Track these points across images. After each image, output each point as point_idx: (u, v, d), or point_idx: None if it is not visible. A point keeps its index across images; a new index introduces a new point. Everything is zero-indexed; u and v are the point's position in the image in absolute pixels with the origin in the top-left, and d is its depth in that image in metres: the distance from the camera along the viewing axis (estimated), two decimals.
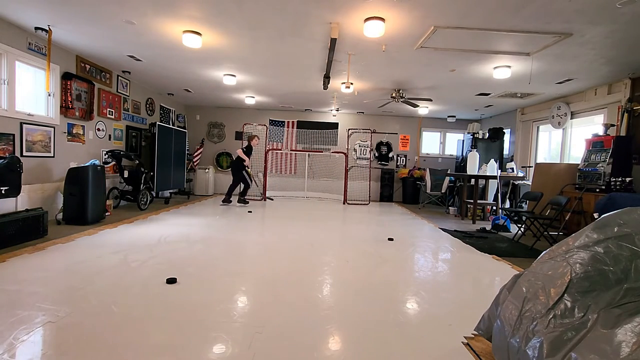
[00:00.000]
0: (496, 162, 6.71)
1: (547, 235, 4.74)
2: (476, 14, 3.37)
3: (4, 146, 4.16)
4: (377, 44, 4.24)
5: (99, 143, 6.02)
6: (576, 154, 6.30)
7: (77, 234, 4.11)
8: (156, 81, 6.90)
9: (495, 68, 5.00)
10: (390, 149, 9.95)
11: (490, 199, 7.26)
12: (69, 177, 4.64)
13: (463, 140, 8.77)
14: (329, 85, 5.85)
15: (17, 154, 4.35)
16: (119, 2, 3.50)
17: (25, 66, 4.50)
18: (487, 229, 5.76)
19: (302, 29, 3.94)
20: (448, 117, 9.48)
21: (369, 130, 9.51)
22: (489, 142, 8.02)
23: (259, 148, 9.50)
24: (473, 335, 2.03)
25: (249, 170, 7.51)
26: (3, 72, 4.16)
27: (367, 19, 3.57)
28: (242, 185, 7.51)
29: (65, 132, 5.19)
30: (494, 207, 6.92)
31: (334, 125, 9.77)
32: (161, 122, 8.10)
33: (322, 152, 9.64)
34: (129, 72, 6.29)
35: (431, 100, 7.13)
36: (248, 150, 7.50)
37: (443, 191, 8.54)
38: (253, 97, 8.02)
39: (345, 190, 8.71)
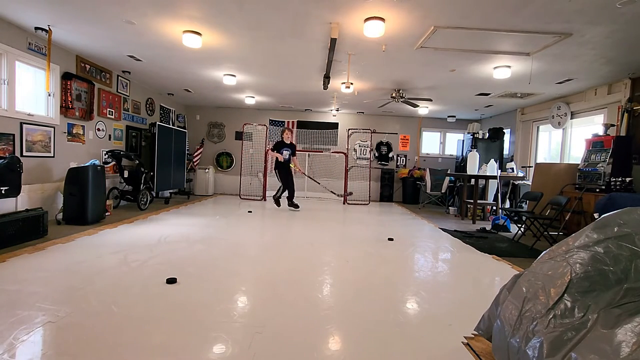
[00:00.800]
0: (496, 162, 6.71)
1: (547, 235, 4.73)
2: (476, 14, 3.37)
3: (4, 146, 4.16)
4: (377, 44, 4.24)
5: (99, 143, 6.02)
6: (576, 154, 6.30)
7: (77, 234, 4.11)
8: (156, 81, 6.90)
9: (495, 68, 5.00)
10: (390, 149, 9.95)
11: (490, 199, 7.25)
12: (69, 177, 4.64)
13: (463, 140, 8.77)
14: (329, 85, 5.85)
15: (17, 154, 4.35)
16: (119, 2, 3.50)
17: (25, 66, 4.50)
18: (487, 229, 5.75)
19: (302, 29, 3.94)
20: (448, 117, 9.48)
21: (369, 130, 9.51)
22: (489, 142, 8.02)
23: (258, 148, 9.53)
24: (473, 335, 2.03)
25: (293, 167, 6.83)
26: (3, 72, 4.16)
27: (367, 19, 3.57)
28: (282, 188, 6.90)
29: (65, 132, 5.19)
30: (494, 207, 6.91)
31: (334, 125, 9.76)
32: (161, 122, 8.10)
33: (322, 152, 9.64)
34: (129, 72, 6.29)
35: (431, 100, 7.13)
36: (277, 146, 6.84)
37: (443, 191, 8.54)
38: (253, 97, 8.02)
39: (345, 190, 8.70)
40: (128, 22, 3.95)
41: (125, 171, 6.16)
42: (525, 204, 6.62)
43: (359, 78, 5.91)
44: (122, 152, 6.05)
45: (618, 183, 4.66)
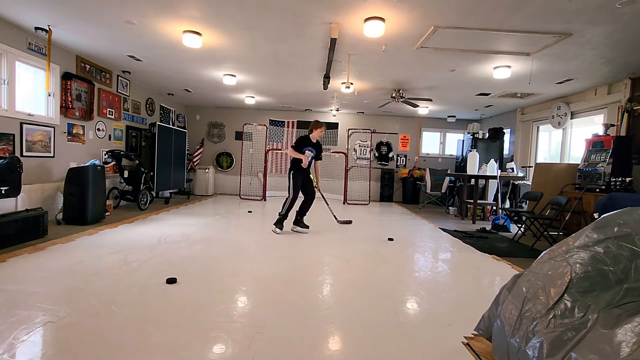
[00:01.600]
0: (496, 162, 6.71)
1: (547, 235, 4.73)
2: (476, 14, 3.37)
3: (4, 146, 4.16)
4: (377, 44, 4.24)
5: (99, 143, 6.02)
6: (576, 154, 6.30)
7: (77, 234, 4.11)
8: (156, 81, 6.89)
9: (495, 68, 5.00)
10: (390, 149, 9.94)
11: (490, 199, 7.25)
12: (69, 177, 4.64)
13: (463, 140, 8.77)
14: (329, 85, 5.85)
15: (17, 154, 4.34)
16: (119, 3, 3.50)
17: (25, 66, 4.50)
18: (487, 229, 5.75)
19: (302, 29, 3.94)
20: (448, 117, 9.48)
21: (369, 130, 9.52)
22: (489, 142, 8.02)
23: (258, 148, 9.52)
24: (473, 335, 2.03)
25: (310, 176, 4.97)
26: (3, 72, 4.16)
27: (367, 19, 3.57)
28: (291, 200, 4.82)
29: (65, 132, 5.19)
30: (494, 207, 6.91)
31: (334, 125, 9.76)
32: (161, 122, 8.10)
33: (321, 152, 9.63)
34: (129, 72, 6.29)
35: (431, 100, 7.13)
36: (300, 144, 4.82)
37: (443, 191, 8.54)
38: (253, 97, 8.02)
39: (346, 190, 8.71)
40: (128, 22, 3.95)
41: (125, 171, 6.16)
42: (525, 204, 6.62)
43: (359, 78, 5.91)
44: (122, 152, 6.05)
45: (618, 183, 4.66)
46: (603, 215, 1.64)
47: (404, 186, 9.51)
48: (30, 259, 3.14)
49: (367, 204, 8.62)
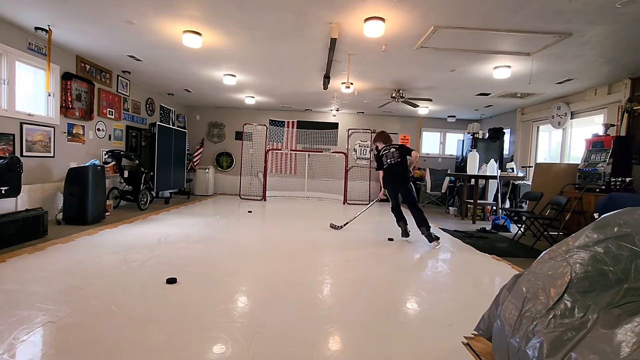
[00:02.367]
0: (496, 162, 6.71)
1: (547, 235, 4.73)
2: (476, 14, 3.37)
3: (4, 146, 4.16)
4: (377, 44, 4.24)
5: (99, 143, 6.01)
6: (576, 154, 6.30)
7: (77, 234, 4.11)
8: (156, 81, 6.89)
9: (495, 68, 5.00)
10: None
11: (490, 199, 7.25)
12: (69, 177, 4.64)
13: (463, 140, 8.77)
14: (329, 85, 5.85)
15: (17, 154, 4.34)
16: (119, 3, 3.50)
17: (25, 66, 4.50)
18: (487, 229, 5.75)
19: (302, 29, 3.94)
20: (448, 117, 9.48)
21: (369, 130, 9.51)
22: (489, 142, 8.02)
23: (258, 148, 9.53)
24: (473, 335, 2.03)
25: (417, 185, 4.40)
26: (3, 72, 4.16)
27: (367, 19, 3.57)
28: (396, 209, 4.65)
29: (65, 132, 5.19)
30: (494, 207, 6.91)
31: (334, 125, 9.76)
32: (161, 122, 8.10)
33: (322, 152, 9.64)
34: (129, 72, 6.29)
35: (431, 100, 7.13)
36: (379, 161, 4.63)
37: (443, 191, 8.54)
38: (253, 97, 8.01)
39: (345, 190, 8.71)
40: (128, 22, 3.95)
41: (125, 171, 6.16)
42: (525, 204, 6.62)
43: (359, 78, 5.91)
44: (122, 152, 6.05)
45: (618, 183, 4.66)
46: (603, 215, 1.64)
47: None
48: (30, 259, 3.14)
49: (367, 204, 8.61)
